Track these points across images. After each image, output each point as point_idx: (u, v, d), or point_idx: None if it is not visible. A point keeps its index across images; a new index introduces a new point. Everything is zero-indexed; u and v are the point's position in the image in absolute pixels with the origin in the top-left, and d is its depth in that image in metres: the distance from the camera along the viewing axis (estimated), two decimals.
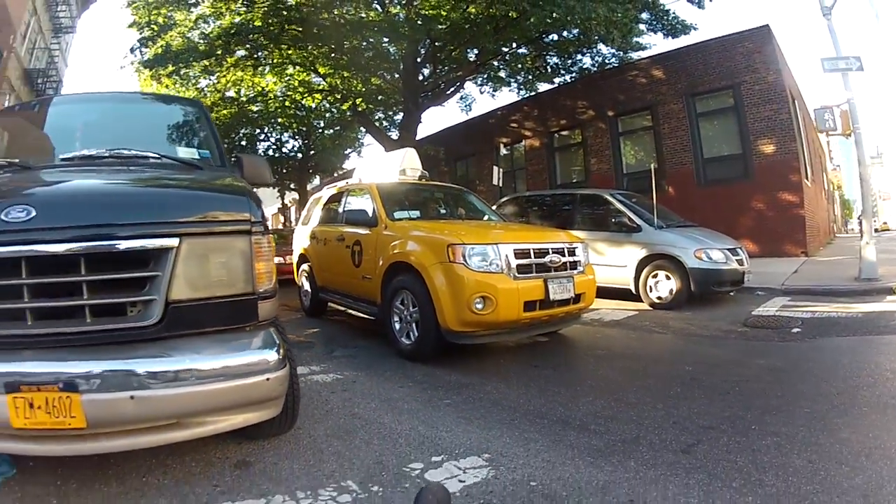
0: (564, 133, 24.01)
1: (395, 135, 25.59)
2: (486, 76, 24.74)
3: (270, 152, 37.83)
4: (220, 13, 20.64)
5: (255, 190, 4.07)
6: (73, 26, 34.84)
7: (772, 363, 6.39)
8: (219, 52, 21.06)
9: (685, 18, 20.31)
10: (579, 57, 22.84)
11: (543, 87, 24.79)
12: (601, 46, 21.61)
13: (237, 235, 3.39)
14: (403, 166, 10.13)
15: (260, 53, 22.30)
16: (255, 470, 3.61)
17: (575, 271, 7.22)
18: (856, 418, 4.36)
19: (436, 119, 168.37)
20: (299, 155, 39.00)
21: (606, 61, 22.27)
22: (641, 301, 11.28)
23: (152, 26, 21.19)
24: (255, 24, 19.81)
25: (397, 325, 7.19)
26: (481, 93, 28.31)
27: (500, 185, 20.68)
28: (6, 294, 2.93)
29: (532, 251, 6.81)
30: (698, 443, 3.90)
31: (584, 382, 5.85)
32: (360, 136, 36.39)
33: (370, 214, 8.28)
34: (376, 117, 28.54)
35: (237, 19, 20.53)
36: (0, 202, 3.01)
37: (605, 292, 11.25)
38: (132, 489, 3.33)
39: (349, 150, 39.31)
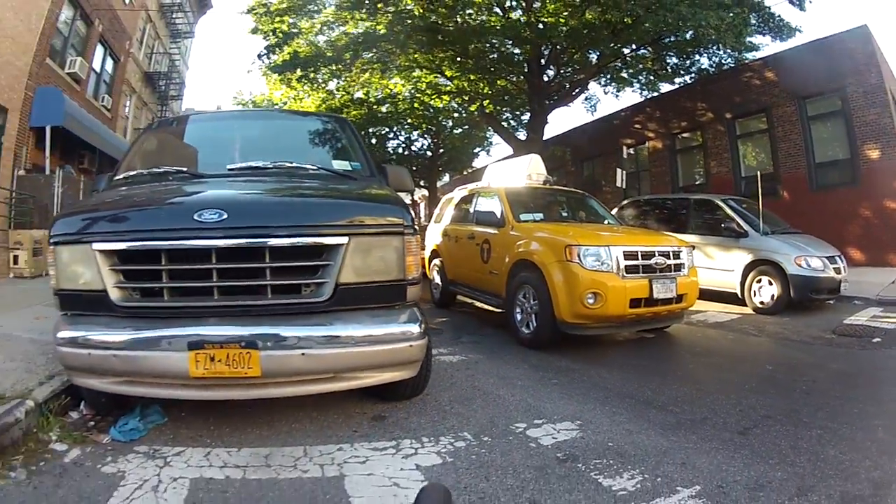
0: (685, 135, 23.83)
1: (522, 135, 26.08)
2: (609, 77, 24.57)
3: (400, 150, 39.34)
4: (344, 20, 21.87)
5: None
6: (192, 31, 37.60)
7: (844, 368, 6.84)
8: (347, 58, 22.32)
9: (789, 20, 20.06)
10: (697, 57, 22.59)
11: (665, 88, 24.62)
12: (717, 47, 21.34)
13: (393, 235, 4.32)
14: (529, 171, 11.03)
15: (387, 58, 23.14)
16: (388, 422, 4.59)
17: (678, 273, 7.81)
18: None
19: (563, 119, 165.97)
20: (429, 153, 39.86)
21: (723, 62, 22.01)
22: (746, 305, 11.56)
23: (277, 34, 22.57)
24: (381, 31, 20.82)
25: (518, 316, 8.08)
26: (605, 93, 28.09)
27: (624, 186, 20.86)
28: (202, 275, 3.99)
29: (640, 253, 7.50)
30: (754, 427, 4.55)
31: (675, 373, 6.61)
32: (488, 136, 36.72)
33: (498, 216, 9.21)
34: (504, 117, 28.98)
35: (361, 28, 21.74)
36: (194, 205, 4.13)
37: (714, 295, 11.94)
38: (281, 433, 4.34)
39: (478, 149, 39.82)
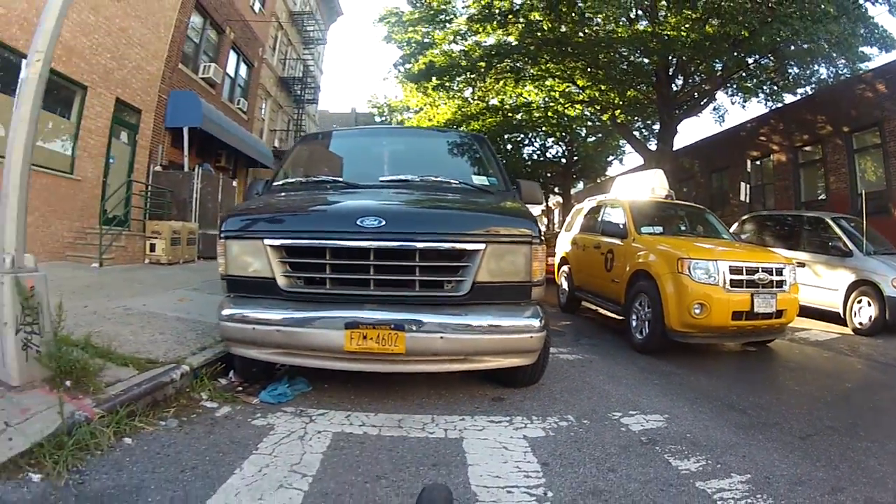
0: (807, 149, 23.54)
1: (653, 145, 26.63)
2: (735, 87, 24.90)
3: (535, 156, 40.60)
4: (476, 31, 23.14)
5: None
6: (323, 38, 40.20)
7: None
8: (481, 68, 23.59)
9: (891, 32, 19.73)
10: (816, 68, 22.56)
11: (789, 99, 24.50)
12: (833, 58, 21.32)
13: (522, 244, 5.28)
14: (653, 185, 11.87)
15: (519, 68, 24.27)
16: (505, 403, 5.56)
17: (779, 289, 8.46)
18: None
19: (693, 130, 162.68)
20: (563, 160, 40.61)
21: (839, 72, 21.89)
22: (847, 325, 11.88)
23: (412, 44, 24.18)
24: (513, 42, 22.07)
25: (634, 323, 8.99)
26: (732, 103, 27.94)
27: (748, 200, 21.13)
28: (360, 270, 5.08)
29: (744, 269, 8.22)
30: (814, 435, 5.17)
31: (762, 383, 7.32)
32: (621, 144, 37.09)
33: (622, 227, 10.14)
34: (636, 127, 29.63)
35: (491, 39, 23.03)
36: (356, 212, 5.18)
37: (819, 314, 12.54)
38: (413, 404, 5.38)
39: (611, 157, 40.31)
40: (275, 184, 6.81)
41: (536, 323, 5.19)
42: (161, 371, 5.23)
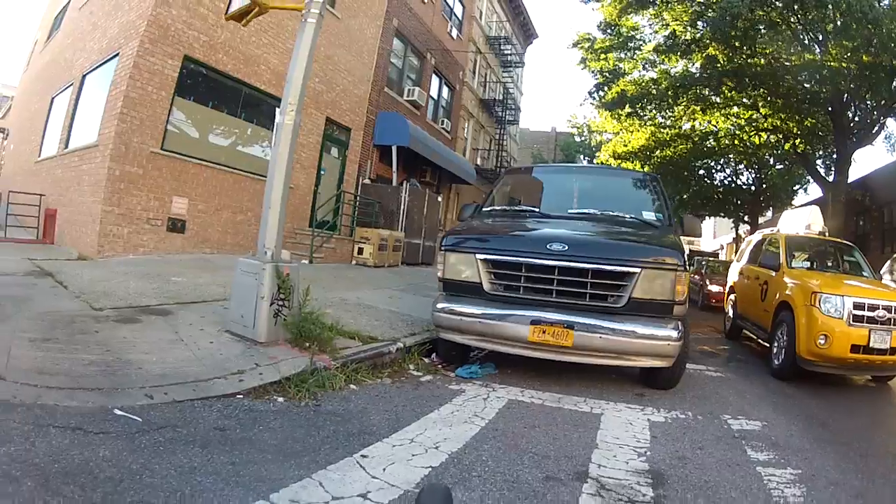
0: None
1: (831, 177, 26.34)
2: None
3: (726, 182, 40.78)
4: (662, 60, 24.34)
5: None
6: (521, 60, 42.22)
7: None
8: (669, 98, 24.72)
9: None
10: None
11: None
12: None
13: (670, 271, 6.74)
14: (808, 222, 12.70)
15: (704, 95, 25.18)
16: (643, 398, 6.91)
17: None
18: None
19: (869, 159, 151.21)
20: (752, 187, 40.54)
21: None
22: None
23: (604, 73, 25.70)
24: (696, 74, 23.12)
25: (774, 349, 9.94)
26: None
27: None
28: (543, 283, 6.75)
29: (866, 305, 8.76)
30: (873, 455, 5.92)
31: (860, 412, 8.26)
32: (805, 174, 36.47)
33: (777, 261, 11.09)
34: (818, 156, 29.60)
35: (679, 66, 24.17)
36: (547, 238, 6.97)
37: None
38: (572, 389, 6.90)
39: (797, 186, 39.92)
40: (484, 209, 8.94)
41: (675, 334, 6.63)
42: (381, 344, 7.36)
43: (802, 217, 13.11)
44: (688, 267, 7.17)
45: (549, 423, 5.62)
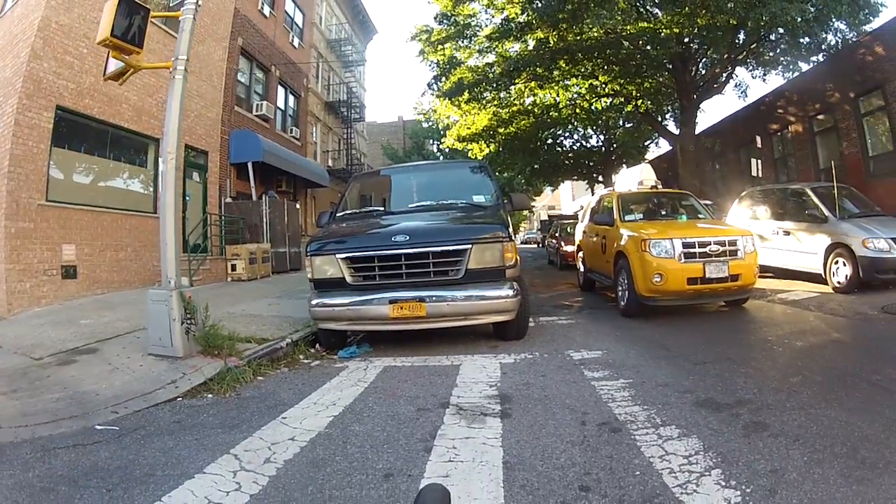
0: (820, 117, 23.97)
1: (675, 129, 28.75)
2: (754, 62, 25.98)
3: (576, 147, 43.32)
4: (496, 47, 26.09)
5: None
6: (362, 58, 44.12)
7: (848, 338, 8.90)
8: (505, 82, 26.49)
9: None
10: (823, 35, 22.80)
11: (806, 68, 25.02)
12: (838, 24, 22.18)
13: (496, 242, 8.43)
14: (641, 178, 14.58)
15: (540, 76, 26.63)
16: (497, 349, 8.49)
17: (732, 258, 10.50)
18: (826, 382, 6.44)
19: (719, 107, 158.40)
20: (602, 148, 43.15)
21: (846, 37, 22.50)
22: (825, 284, 13.31)
23: (441, 65, 27.40)
24: (530, 56, 24.67)
25: (619, 293, 11.73)
26: (753, 78, 29.00)
27: (759, 175, 23.10)
28: (394, 270, 8.30)
29: (696, 243, 10.46)
30: (709, 362, 7.24)
31: (701, 331, 9.58)
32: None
33: (611, 217, 12.90)
34: (666, 111, 32.02)
35: (515, 47, 25.93)
36: (392, 232, 8.54)
37: (804, 276, 14.32)
38: (434, 350, 8.36)
39: (647, 142, 42.38)
40: (338, 214, 10.49)
41: (511, 293, 8.34)
42: (273, 342, 8.80)
43: (635, 175, 15.05)
44: (513, 237, 8.99)
45: (418, 376, 7.16)
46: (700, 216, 13.11)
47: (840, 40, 22.55)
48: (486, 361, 7.77)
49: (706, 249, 10.52)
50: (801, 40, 21.26)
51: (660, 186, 15.02)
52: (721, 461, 4.03)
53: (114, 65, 8.61)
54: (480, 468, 4.13)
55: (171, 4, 17.90)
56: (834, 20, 21.09)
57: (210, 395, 6.62)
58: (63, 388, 6.63)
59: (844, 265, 12.76)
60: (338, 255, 8.63)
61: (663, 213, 13.91)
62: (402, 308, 8.23)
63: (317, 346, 9.27)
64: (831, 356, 7.46)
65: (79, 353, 8.37)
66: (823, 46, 23.10)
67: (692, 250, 10.50)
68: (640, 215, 13.23)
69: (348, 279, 8.56)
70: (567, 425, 5.04)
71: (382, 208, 10.88)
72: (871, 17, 21.31)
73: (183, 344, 7.75)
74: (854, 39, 21.86)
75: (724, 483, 3.68)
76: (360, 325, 8.83)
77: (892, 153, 19.68)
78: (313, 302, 8.71)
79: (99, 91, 15.55)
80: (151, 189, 18.07)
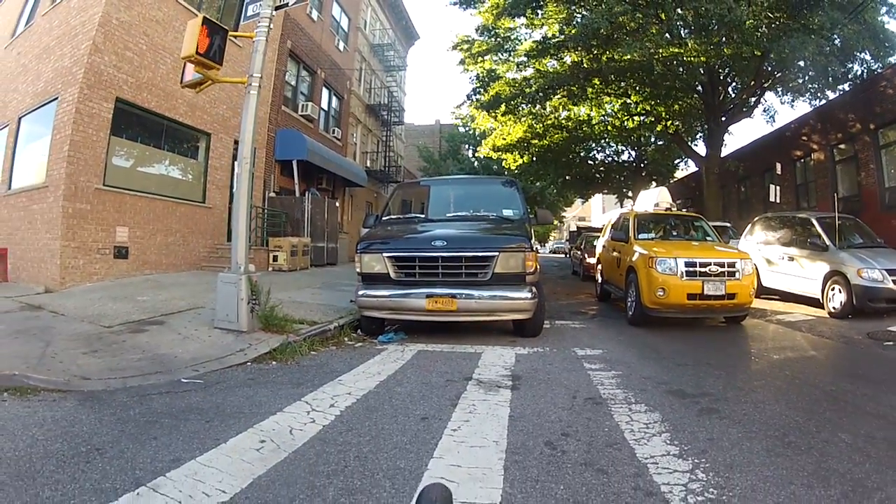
0: (842, 146, 24.59)
1: (703, 151, 29.67)
2: (782, 88, 26.74)
3: (608, 161, 44.57)
4: (532, 65, 27.38)
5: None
6: (404, 63, 45.49)
7: (823, 356, 9.86)
8: (539, 98, 27.66)
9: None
10: (850, 65, 23.95)
11: (831, 96, 25.62)
12: (864, 55, 23.35)
13: (519, 252, 9.88)
14: (657, 200, 15.77)
15: (575, 94, 28.05)
16: (515, 343, 9.84)
17: (730, 278, 11.57)
18: (792, 391, 7.35)
19: (749, 130, 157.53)
20: (633, 164, 44.14)
21: (871, 68, 23.53)
22: (822, 308, 14.28)
23: (481, 78, 28.73)
24: (566, 74, 25.97)
25: (628, 303, 12.97)
26: (782, 103, 29.83)
27: (777, 200, 23.58)
28: (432, 270, 9.78)
29: (697, 263, 11.61)
30: (692, 365, 8.81)
31: (697, 342, 10.62)
32: None
33: (627, 234, 14.21)
34: (696, 132, 33.01)
35: (552, 63, 27.03)
36: (432, 237, 10.08)
37: (806, 300, 15.32)
38: (462, 341, 9.77)
39: (677, 161, 43.29)
40: (383, 218, 11.97)
41: (529, 295, 9.73)
42: (323, 325, 10.32)
43: (653, 196, 16.25)
44: (534, 248, 10.41)
45: (447, 359, 8.56)
46: (708, 238, 14.19)
47: (865, 70, 23.44)
48: (504, 351, 9.14)
49: (706, 269, 11.61)
50: (829, 68, 21.75)
51: (674, 209, 16.23)
52: (672, 429, 5.35)
53: (190, 74, 9.92)
54: (492, 418, 5.56)
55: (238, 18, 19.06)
56: (858, 52, 22.03)
57: (274, 363, 8.03)
58: (142, 351, 8.00)
59: (840, 292, 13.65)
60: (384, 254, 10.05)
61: (675, 233, 15.03)
62: (436, 302, 9.62)
63: (358, 331, 10.73)
64: (800, 369, 8.45)
65: (147, 324, 9.77)
66: (850, 76, 24.01)
67: (693, 269, 11.59)
68: (653, 234, 14.46)
69: (392, 275, 9.96)
70: (561, 397, 6.44)
71: (423, 215, 12.22)
72: (893, 51, 22.22)
73: (248, 320, 9.25)
74: (879, 70, 22.47)
75: (668, 442, 4.99)
76: (400, 315, 10.15)
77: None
78: (360, 292, 10.10)
79: (157, 86, 16.98)
80: (202, 180, 19.51)
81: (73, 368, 6.88)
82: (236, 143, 20.31)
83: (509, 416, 5.63)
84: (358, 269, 10.43)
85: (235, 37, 10.61)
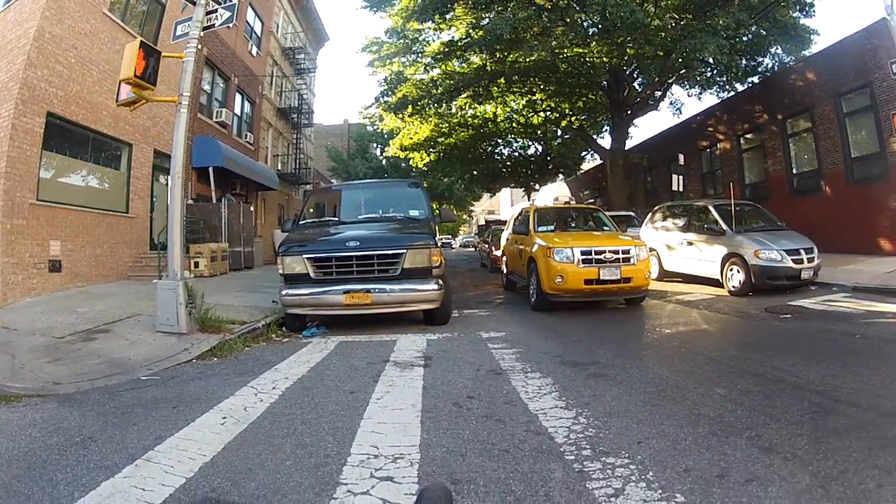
0: (749, 136, 26.39)
1: (609, 144, 30.91)
2: (689, 81, 28.21)
3: (515, 156, 45.77)
4: (438, 66, 28.31)
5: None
6: (314, 66, 45.85)
7: (715, 329, 10.76)
8: (445, 99, 28.55)
9: (810, 25, 23.85)
10: (760, 59, 25.84)
11: (741, 88, 27.62)
12: (776, 49, 25.05)
13: (425, 248, 11.06)
14: (556, 195, 17.10)
15: (480, 94, 28.97)
16: (426, 330, 11.01)
17: (625, 263, 12.58)
18: (666, 356, 8.65)
19: (657, 122, 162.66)
20: (540, 158, 45.19)
21: (782, 61, 25.24)
22: (722, 288, 15.39)
23: (389, 80, 29.47)
24: (470, 76, 26.93)
25: (531, 291, 14.10)
26: (689, 96, 31.41)
27: (681, 189, 24.87)
28: (347, 268, 10.86)
29: (593, 251, 12.58)
30: (584, 340, 10.24)
31: (594, 322, 11.73)
32: None
33: (527, 227, 15.27)
34: (602, 126, 34.57)
35: (456, 67, 27.95)
36: (346, 238, 11.17)
37: (703, 280, 16.65)
38: (378, 331, 10.86)
39: (584, 153, 44.38)
40: (300, 222, 12.96)
41: (435, 286, 10.90)
42: (252, 323, 11.31)
43: (552, 191, 17.78)
44: (438, 244, 11.61)
45: (366, 347, 9.61)
46: (605, 228, 15.51)
47: (776, 63, 25.21)
48: (417, 338, 10.20)
49: (601, 256, 12.66)
50: (733, 65, 23.19)
51: (573, 202, 17.52)
52: (561, 389, 6.52)
53: (125, 93, 10.70)
54: (408, 389, 6.70)
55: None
56: (770, 47, 23.76)
57: (216, 359, 9.00)
58: (98, 356, 8.83)
59: (738, 272, 14.79)
60: (304, 255, 11.00)
61: (573, 225, 16.37)
62: (353, 297, 10.66)
63: (283, 328, 11.63)
64: (689, 340, 9.45)
65: (95, 333, 10.51)
66: (760, 69, 25.88)
67: (589, 257, 12.62)
68: (552, 227, 15.67)
69: (312, 274, 10.93)
70: (466, 371, 7.62)
71: (336, 218, 13.23)
72: (805, 46, 23.93)
73: (187, 323, 10.19)
74: (791, 63, 24.20)
75: (557, 399, 6.16)
76: (321, 311, 11.17)
77: (815, 172, 21.94)
78: (284, 292, 11.00)
79: (84, 98, 17.28)
80: (126, 190, 19.82)
81: (44, 376, 7.71)
82: (156, 152, 21.07)
83: (423, 387, 6.77)
84: (280, 271, 11.31)
85: (167, 57, 11.24)
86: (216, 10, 11.45)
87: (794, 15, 23.81)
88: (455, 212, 31.90)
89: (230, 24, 12.16)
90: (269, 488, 4.02)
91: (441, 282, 11.17)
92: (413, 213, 13.22)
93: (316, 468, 4.39)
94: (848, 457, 4.24)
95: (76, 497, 3.97)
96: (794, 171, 23.53)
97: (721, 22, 19.98)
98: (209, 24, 11.36)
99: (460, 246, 75.52)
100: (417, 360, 8.38)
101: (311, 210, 14.49)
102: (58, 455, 4.84)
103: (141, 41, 10.19)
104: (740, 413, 5.42)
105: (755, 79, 26.48)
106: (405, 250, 10.96)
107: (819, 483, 3.79)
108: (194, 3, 11.18)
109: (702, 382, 6.62)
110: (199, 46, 11.23)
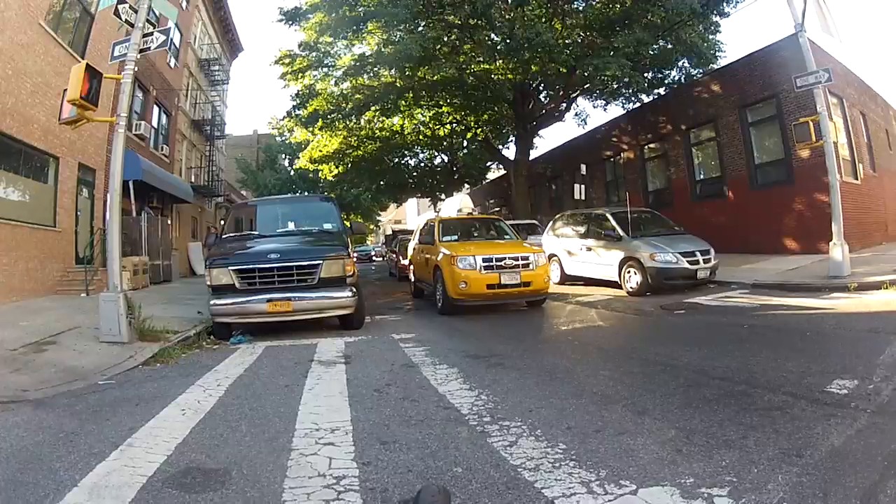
0: (652, 145, 27.52)
1: (512, 155, 32.04)
2: (596, 93, 29.56)
3: (421, 167, 46.94)
4: (348, 80, 28.86)
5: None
6: (227, 78, 46.27)
7: (608, 324, 11.91)
8: (353, 114, 29.43)
9: (719, 41, 25.59)
10: (667, 72, 27.11)
11: (647, 100, 28.99)
12: (683, 62, 26.27)
13: (340, 259, 12.16)
14: (460, 206, 18.14)
15: (388, 108, 29.82)
16: (343, 334, 11.94)
17: (525, 269, 13.64)
18: (558, 351, 10.30)
19: (563, 133, 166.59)
20: (446, 169, 46.70)
21: (690, 74, 26.53)
22: (622, 289, 16.31)
23: (301, 94, 29.99)
24: (377, 93, 27.61)
25: (437, 297, 15.20)
26: (594, 107, 33.01)
27: (583, 198, 26.17)
28: (269, 278, 11.83)
29: (493, 259, 13.62)
30: (489, 339, 11.90)
31: (492, 320, 13.14)
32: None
33: (433, 237, 16.32)
34: (507, 137, 35.29)
35: (366, 80, 28.47)
36: (268, 251, 12.14)
37: (604, 283, 17.55)
38: (301, 336, 11.85)
39: (489, 163, 45.59)
40: (223, 236, 13.76)
41: (350, 294, 11.97)
42: (185, 332, 12.11)
43: (456, 203, 18.76)
44: (351, 255, 12.75)
45: (291, 350, 10.51)
46: (506, 237, 16.72)
47: (684, 76, 26.57)
48: (335, 341, 11.12)
49: (502, 263, 13.70)
50: (636, 82, 24.15)
51: (475, 213, 18.70)
52: (465, 376, 7.66)
53: (67, 112, 11.23)
54: (335, 381, 7.82)
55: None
56: (678, 61, 25.10)
57: (159, 364, 9.81)
58: (54, 366, 9.42)
59: (636, 274, 15.77)
60: (230, 267, 11.79)
61: (476, 234, 17.47)
62: (275, 305, 11.53)
63: (211, 336, 12.20)
64: (583, 334, 10.81)
65: (44, 345, 11.04)
66: (667, 81, 27.27)
67: (490, 264, 13.64)
68: (456, 236, 16.64)
69: (237, 285, 11.73)
70: (383, 366, 8.74)
71: (257, 232, 14.07)
72: (712, 60, 25.34)
73: (128, 332, 10.96)
74: (699, 76, 25.58)
75: (462, 383, 7.32)
76: (247, 319, 11.96)
77: (719, 178, 23.41)
78: (212, 302, 11.84)
79: (18, 111, 17.20)
80: (53, 204, 19.89)
81: (11, 384, 8.26)
82: (80, 165, 21.35)
83: (347, 379, 7.87)
84: (208, 282, 12.03)
85: (107, 78, 11.96)
86: (152, 34, 11.99)
87: (701, 29, 25.19)
88: (364, 222, 33.11)
89: (165, 48, 12.82)
90: (238, 456, 5.04)
91: (355, 289, 12.17)
92: (327, 226, 14.11)
93: (271, 440, 5.44)
94: (713, 417, 5.29)
95: (77, 479, 4.54)
96: (699, 177, 25.03)
97: (621, 44, 21.32)
98: (145, 46, 11.86)
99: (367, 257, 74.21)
100: (339, 358, 9.44)
101: (233, 224, 15.31)
102: (49, 449, 5.35)
103: (87, 64, 10.77)
104: (620, 388, 6.58)
105: (661, 90, 27.96)
106: (322, 261, 11.86)
107: (684, 435, 4.88)
108: (132, 26, 11.73)
109: (589, 366, 7.99)
110: (136, 68, 11.89)
